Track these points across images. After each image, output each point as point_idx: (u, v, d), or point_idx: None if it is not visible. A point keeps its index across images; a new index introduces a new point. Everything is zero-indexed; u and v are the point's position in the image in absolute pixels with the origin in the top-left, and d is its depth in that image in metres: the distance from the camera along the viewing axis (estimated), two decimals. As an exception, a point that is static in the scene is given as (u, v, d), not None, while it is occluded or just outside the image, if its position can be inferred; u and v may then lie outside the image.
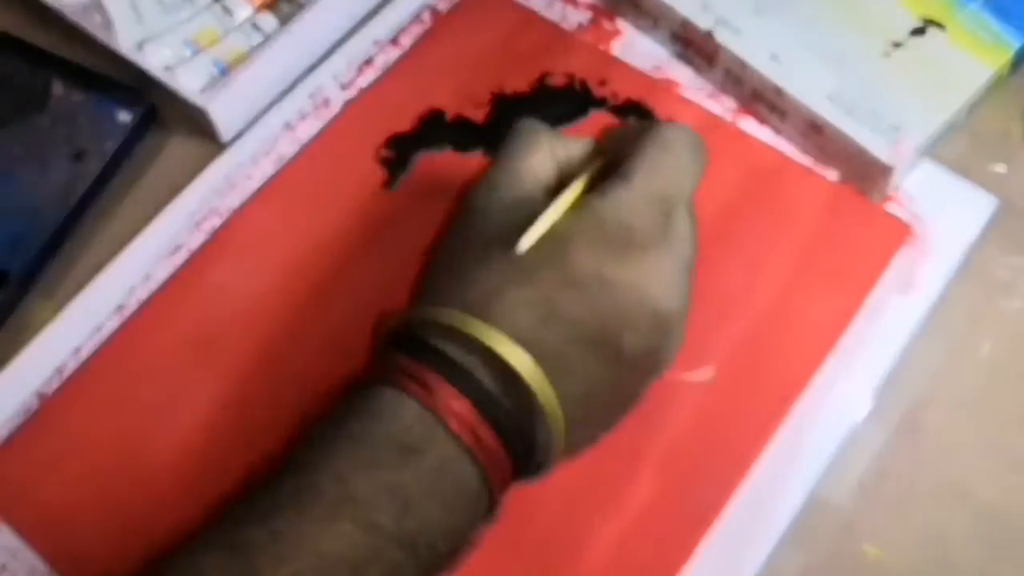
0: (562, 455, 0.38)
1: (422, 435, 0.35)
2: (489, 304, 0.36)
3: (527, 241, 0.37)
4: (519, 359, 0.35)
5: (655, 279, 0.37)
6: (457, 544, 0.36)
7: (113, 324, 0.46)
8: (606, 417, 0.39)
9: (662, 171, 0.38)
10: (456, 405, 0.35)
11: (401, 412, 0.35)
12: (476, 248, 0.38)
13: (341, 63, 0.53)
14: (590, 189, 0.39)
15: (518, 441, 0.36)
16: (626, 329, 0.37)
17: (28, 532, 0.42)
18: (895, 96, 0.47)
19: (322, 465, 0.35)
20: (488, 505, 0.37)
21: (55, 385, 0.45)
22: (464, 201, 0.41)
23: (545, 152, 0.41)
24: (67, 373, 0.45)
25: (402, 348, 0.37)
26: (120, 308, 0.47)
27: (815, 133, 0.48)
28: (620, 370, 0.38)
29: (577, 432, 0.37)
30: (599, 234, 0.37)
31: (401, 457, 0.35)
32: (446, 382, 0.35)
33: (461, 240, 0.40)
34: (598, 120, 0.50)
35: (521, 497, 0.41)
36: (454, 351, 0.36)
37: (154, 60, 0.51)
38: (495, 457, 0.36)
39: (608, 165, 0.40)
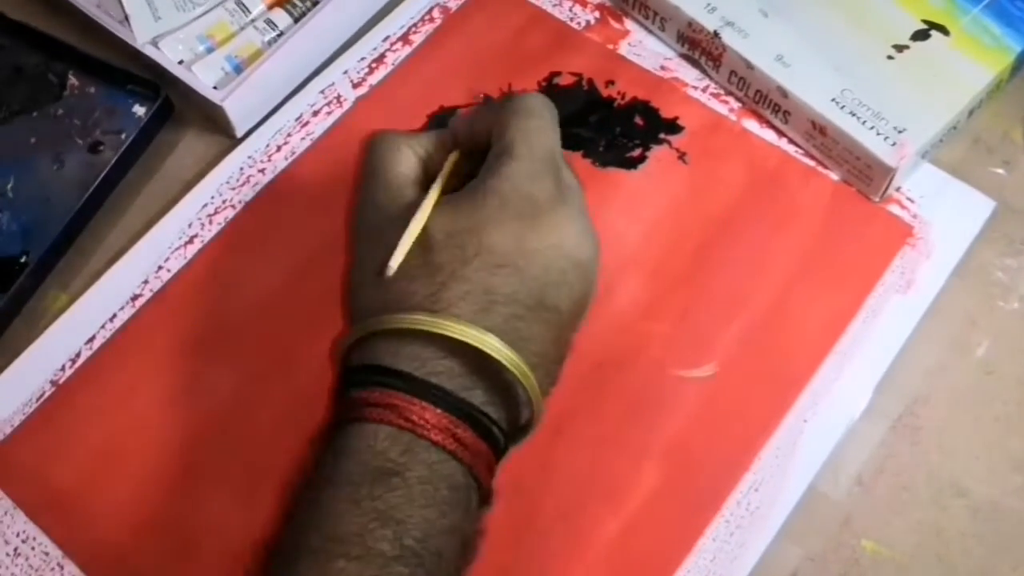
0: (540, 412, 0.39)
1: (400, 456, 0.35)
2: (435, 305, 0.37)
3: (395, 261, 0.38)
4: (483, 341, 0.36)
5: (568, 233, 0.39)
6: (461, 541, 0.37)
7: (127, 314, 0.47)
8: (557, 365, 0.41)
9: (536, 135, 0.40)
10: (430, 416, 0.36)
11: (373, 443, 0.36)
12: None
13: (353, 60, 0.53)
14: (452, 178, 0.41)
15: (495, 422, 0.37)
16: (558, 287, 0.39)
17: (41, 517, 0.43)
18: (898, 99, 0.47)
19: (308, 520, 0.35)
20: (480, 495, 0.38)
21: (69, 373, 0.46)
22: (355, 228, 0.42)
23: (408, 156, 0.43)
24: (81, 361, 0.46)
25: (358, 383, 0.38)
26: (134, 298, 0.47)
27: (819, 134, 0.48)
28: (562, 324, 0.40)
29: (543, 385, 0.39)
30: (507, 212, 0.38)
31: (383, 483, 0.35)
32: (415, 398, 0.36)
33: (370, 263, 0.40)
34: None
35: (527, 489, 0.42)
36: (409, 364, 0.37)
37: (169, 55, 0.51)
38: (477, 451, 0.37)
39: (466, 154, 0.41)
